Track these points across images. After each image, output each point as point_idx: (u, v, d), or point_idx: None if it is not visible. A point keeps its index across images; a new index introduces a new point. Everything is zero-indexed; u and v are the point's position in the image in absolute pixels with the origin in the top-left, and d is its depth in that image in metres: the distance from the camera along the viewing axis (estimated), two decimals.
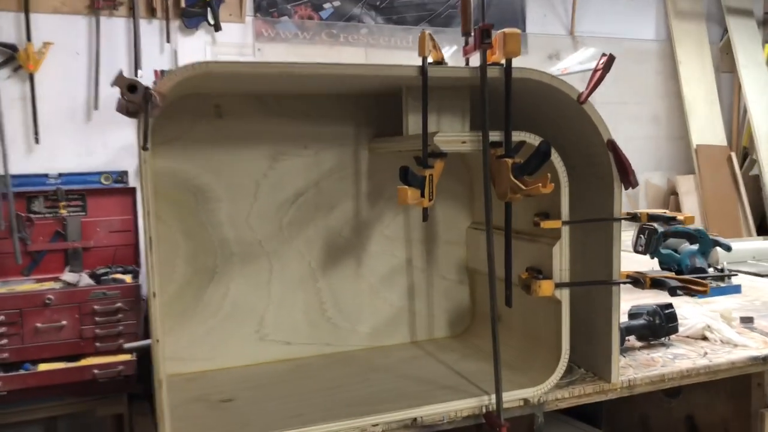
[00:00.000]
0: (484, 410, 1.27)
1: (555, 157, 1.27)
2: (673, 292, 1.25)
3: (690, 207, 3.99)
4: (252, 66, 1.08)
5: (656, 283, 1.32)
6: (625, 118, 4.21)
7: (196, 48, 3.22)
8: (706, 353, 1.53)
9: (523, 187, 1.16)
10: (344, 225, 1.54)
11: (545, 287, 1.26)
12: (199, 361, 1.45)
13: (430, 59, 1.21)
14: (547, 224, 1.27)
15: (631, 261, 2.43)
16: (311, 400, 1.28)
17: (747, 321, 1.74)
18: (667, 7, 4.14)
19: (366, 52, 3.47)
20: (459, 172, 1.61)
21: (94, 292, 2.71)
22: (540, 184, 1.12)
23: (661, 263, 2.26)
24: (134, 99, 0.97)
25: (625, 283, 1.34)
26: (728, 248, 2.18)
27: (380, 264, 1.58)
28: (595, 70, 1.28)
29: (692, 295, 1.28)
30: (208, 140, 1.42)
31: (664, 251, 2.24)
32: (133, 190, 3.15)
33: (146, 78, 3.07)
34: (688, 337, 1.65)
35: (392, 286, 1.60)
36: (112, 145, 3.16)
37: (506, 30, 1.20)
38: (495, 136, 1.24)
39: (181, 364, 1.44)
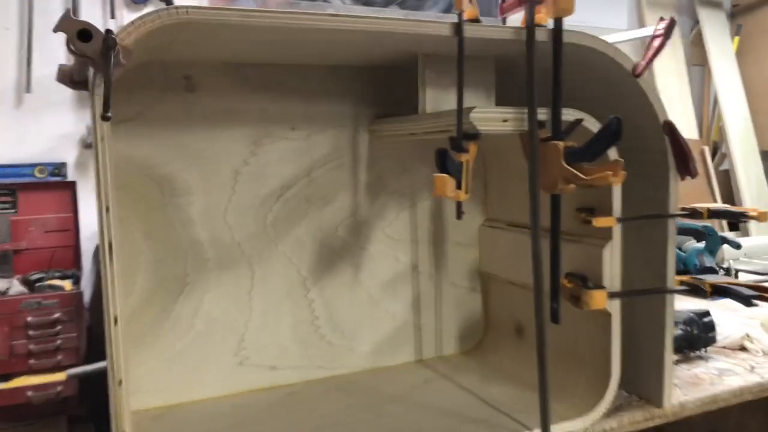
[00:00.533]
0: None
1: None
2: (747, 302, 1.04)
3: None
4: (246, 15, 0.81)
5: (720, 291, 1.12)
6: None
7: None
8: (753, 367, 1.35)
9: (584, 176, 0.93)
10: (340, 223, 1.29)
11: (598, 298, 1.04)
12: (165, 394, 1.17)
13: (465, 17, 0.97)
14: (600, 221, 1.05)
15: None
16: None
17: None
18: None
19: None
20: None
21: (27, 301, 2.35)
22: (610, 172, 0.90)
23: None
24: (87, 50, 0.69)
25: (681, 291, 1.14)
26: (738, 246, 2.02)
27: (382, 269, 1.33)
28: (653, 37, 1.07)
29: None
30: (176, 119, 1.14)
31: None
32: (72, 184, 2.79)
33: None
34: (724, 347, 1.47)
35: (396, 295, 1.35)
36: (47, 133, 2.80)
37: None
38: (543, 113, 1.01)
39: (142, 399, 1.16)
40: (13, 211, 2.69)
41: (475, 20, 0.97)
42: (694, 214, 1.14)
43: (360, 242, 1.31)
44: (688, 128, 3.91)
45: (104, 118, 0.70)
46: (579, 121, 0.99)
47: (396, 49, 1.09)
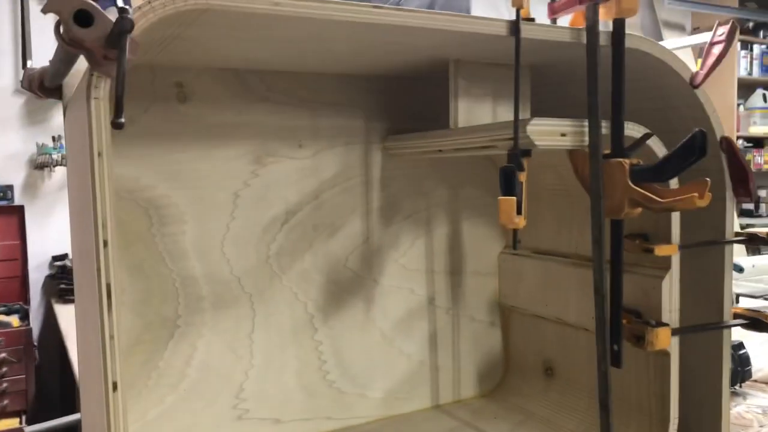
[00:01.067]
0: None
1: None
2: None
3: None
4: (275, 2, 0.66)
5: None
6: None
7: None
8: None
9: (659, 198, 0.81)
10: (350, 253, 1.13)
11: (663, 337, 0.91)
12: None
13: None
14: (662, 250, 0.92)
15: None
16: None
17: None
18: None
19: None
20: (484, 178, 1.24)
21: None
22: (696, 194, 0.77)
23: None
24: (85, 39, 0.53)
25: (740, 325, 1.02)
26: (740, 270, 1.95)
27: (395, 304, 1.18)
28: (712, 44, 0.96)
29: None
30: (165, 134, 0.97)
31: None
32: (20, 209, 2.55)
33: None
34: (756, 381, 1.37)
35: (411, 333, 1.20)
36: None
37: None
38: (603, 127, 0.88)
39: None
40: None
41: (530, 19, 0.84)
42: (752, 239, 1.04)
43: (372, 274, 1.15)
44: None
45: (116, 125, 0.53)
46: (648, 136, 0.87)
47: (424, 53, 0.95)
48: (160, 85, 0.97)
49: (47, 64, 0.93)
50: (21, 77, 2.55)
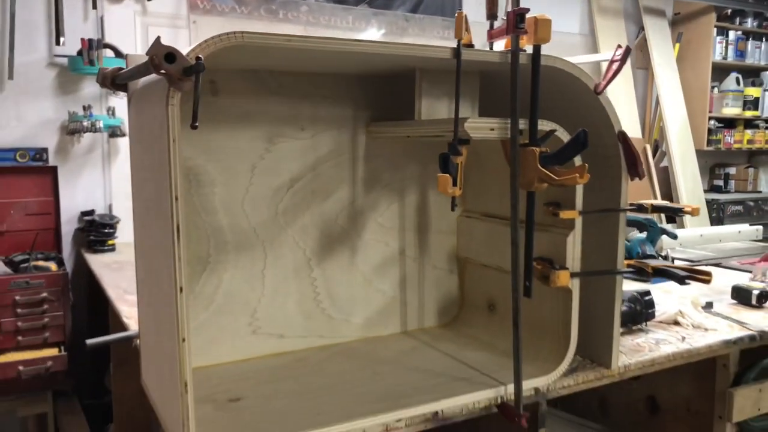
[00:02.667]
0: (500, 401, 1.26)
1: None
2: (681, 281, 1.29)
3: None
4: (288, 40, 0.98)
5: (660, 273, 1.36)
6: None
7: (124, 17, 2.98)
8: (684, 338, 1.60)
9: (556, 177, 1.15)
10: (340, 212, 1.47)
11: (563, 277, 1.26)
12: (192, 357, 1.34)
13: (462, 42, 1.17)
14: (566, 214, 1.27)
15: None
16: (324, 398, 1.22)
17: (708, 306, 1.84)
18: (591, 2, 4.30)
19: (305, 30, 3.35)
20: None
21: (16, 281, 2.46)
22: (576, 175, 1.11)
23: None
24: (171, 70, 0.86)
25: (629, 272, 1.37)
26: (674, 236, 2.30)
27: (374, 253, 1.53)
28: (612, 61, 1.29)
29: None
30: (202, 119, 1.30)
31: None
32: (53, 169, 2.88)
33: (71, 47, 2.80)
34: (661, 322, 1.72)
35: (385, 276, 1.55)
36: (28, 120, 2.87)
37: (538, 15, 1.17)
38: (523, 124, 1.22)
39: None
40: None
41: (470, 45, 1.17)
42: (640, 208, 1.38)
43: (356, 229, 1.50)
44: (632, 127, 4.22)
45: (193, 127, 0.87)
46: (552, 132, 1.20)
47: (397, 63, 1.28)
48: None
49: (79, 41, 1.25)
50: (53, 53, 2.86)
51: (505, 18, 1.17)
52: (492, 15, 1.23)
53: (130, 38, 2.98)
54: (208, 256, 1.35)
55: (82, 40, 2.71)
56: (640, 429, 1.99)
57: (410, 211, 1.57)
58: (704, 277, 1.30)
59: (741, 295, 1.90)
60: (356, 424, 1.11)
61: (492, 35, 1.23)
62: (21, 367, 2.36)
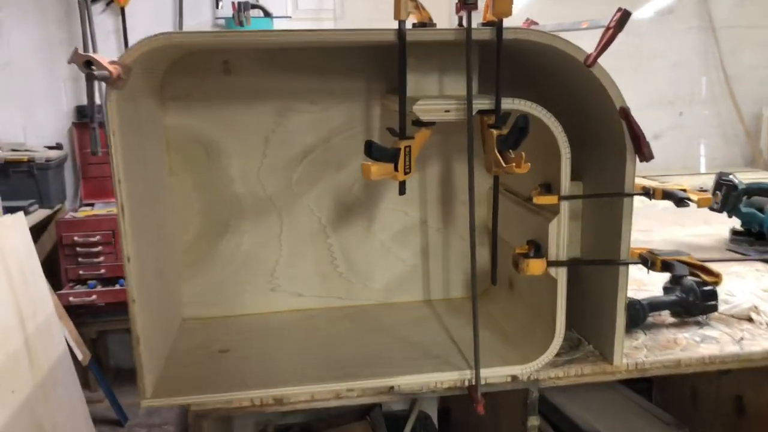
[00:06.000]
0: (466, 383, 1.26)
1: (555, 126, 1.16)
2: (676, 280, 1.13)
3: None
4: (214, 36, 1.06)
5: (666, 266, 1.20)
6: (752, 44, 3.73)
7: None
8: (742, 338, 1.39)
9: (503, 163, 1.08)
10: (354, 182, 1.53)
11: (533, 266, 1.19)
12: (216, 307, 1.54)
13: (414, 20, 1.13)
14: (541, 200, 1.18)
15: (711, 220, 2.24)
16: (302, 357, 1.32)
17: None
18: None
19: None
20: (478, 128, 1.52)
21: None
22: (514, 164, 1.04)
23: (742, 223, 2.05)
24: (93, 74, 1.00)
25: (631, 263, 1.24)
26: None
27: (392, 222, 1.56)
28: (607, 28, 1.14)
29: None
30: (217, 96, 1.44)
31: (745, 210, 2.02)
32: None
33: (225, 11, 3.11)
34: (732, 316, 1.51)
35: (405, 244, 1.58)
36: None
37: None
38: (484, 104, 1.15)
39: (198, 309, 1.53)
40: None
41: (423, 24, 1.13)
42: (646, 194, 1.22)
43: (372, 199, 1.54)
44: None
45: (93, 152, 1.00)
46: (508, 114, 1.12)
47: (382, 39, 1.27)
48: (212, 63, 1.42)
49: None
50: (215, 15, 3.19)
51: None
52: None
53: None
54: (229, 219, 1.50)
55: (233, 3, 2.99)
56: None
57: (432, 182, 1.56)
58: (709, 279, 1.13)
59: None
60: (307, 388, 1.21)
61: (457, 9, 1.16)
62: None
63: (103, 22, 3.10)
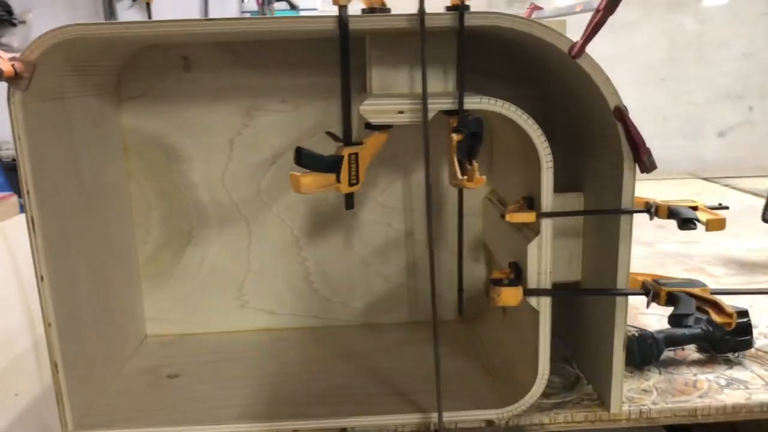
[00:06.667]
0: (432, 427, 1.08)
1: (533, 130, 0.97)
2: (677, 321, 0.92)
3: None
4: (125, 27, 0.92)
5: (672, 300, 0.99)
6: None
7: None
8: None
9: (459, 175, 0.90)
10: (330, 191, 1.36)
11: (506, 296, 1.00)
12: (180, 324, 1.42)
13: (362, 6, 0.96)
14: (515, 217, 0.99)
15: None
16: (256, 388, 1.18)
17: None
18: None
19: None
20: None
21: None
22: (465, 177, 0.86)
23: None
24: None
25: (629, 293, 1.03)
26: None
27: (374, 235, 1.39)
28: (596, 11, 0.94)
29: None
30: (176, 95, 1.31)
31: None
32: None
33: (251, 4, 3.01)
34: None
35: (388, 260, 1.41)
36: None
37: None
38: (445, 103, 0.97)
39: (161, 326, 1.41)
40: None
41: (374, 9, 0.96)
42: (648, 211, 1.01)
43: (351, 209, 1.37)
44: None
45: None
46: (468, 115, 0.93)
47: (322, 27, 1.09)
48: (170, 59, 1.29)
49: None
50: (241, 9, 3.10)
51: None
52: None
53: None
54: (191, 229, 1.38)
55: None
56: None
57: (419, 190, 1.38)
58: (721, 318, 0.91)
59: None
60: (247, 427, 1.06)
61: None
62: None
63: (130, 17, 3.06)
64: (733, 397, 1.12)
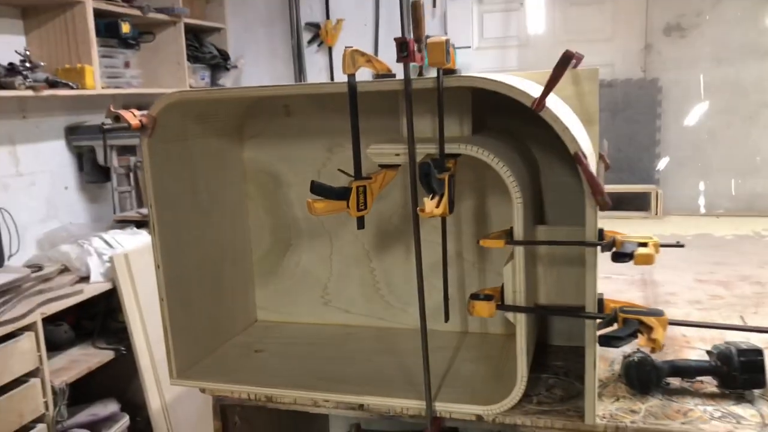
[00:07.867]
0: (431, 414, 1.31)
1: (504, 172, 1.17)
2: (606, 341, 1.04)
3: None
4: (221, 92, 1.31)
5: (625, 324, 1.10)
6: None
7: (462, 8, 3.35)
8: None
9: (426, 210, 1.13)
10: (393, 213, 1.64)
11: (480, 309, 1.20)
12: (281, 313, 1.79)
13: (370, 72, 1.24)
14: (487, 243, 1.19)
15: None
16: (311, 366, 1.50)
17: None
18: None
19: None
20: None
21: None
22: (425, 208, 1.09)
23: None
24: (120, 126, 1.33)
25: (594, 317, 1.15)
26: None
27: (429, 252, 1.62)
28: (555, 68, 1.11)
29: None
30: (280, 135, 1.69)
31: None
32: None
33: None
34: None
35: (440, 274, 1.63)
36: None
37: (431, 39, 1.15)
38: (429, 148, 1.21)
39: (268, 313, 1.80)
40: None
41: (384, 76, 1.23)
42: (606, 245, 1.13)
43: (409, 229, 1.62)
44: None
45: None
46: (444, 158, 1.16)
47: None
48: (276, 107, 1.68)
49: None
50: None
51: None
52: (418, 39, 1.22)
53: (467, 27, 3.35)
54: (290, 238, 1.75)
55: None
56: None
57: (467, 216, 1.59)
58: (647, 343, 1.01)
59: None
60: (291, 393, 1.40)
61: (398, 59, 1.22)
62: None
63: (317, 60, 3.60)
64: (716, 428, 1.18)
